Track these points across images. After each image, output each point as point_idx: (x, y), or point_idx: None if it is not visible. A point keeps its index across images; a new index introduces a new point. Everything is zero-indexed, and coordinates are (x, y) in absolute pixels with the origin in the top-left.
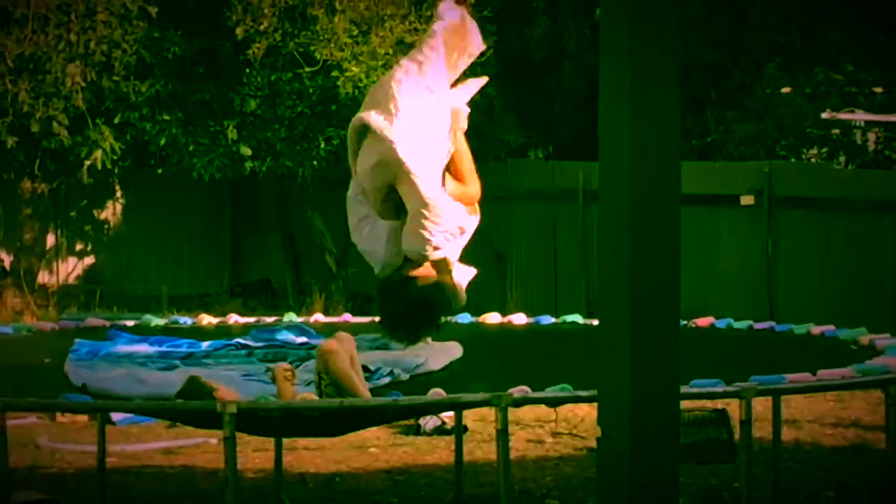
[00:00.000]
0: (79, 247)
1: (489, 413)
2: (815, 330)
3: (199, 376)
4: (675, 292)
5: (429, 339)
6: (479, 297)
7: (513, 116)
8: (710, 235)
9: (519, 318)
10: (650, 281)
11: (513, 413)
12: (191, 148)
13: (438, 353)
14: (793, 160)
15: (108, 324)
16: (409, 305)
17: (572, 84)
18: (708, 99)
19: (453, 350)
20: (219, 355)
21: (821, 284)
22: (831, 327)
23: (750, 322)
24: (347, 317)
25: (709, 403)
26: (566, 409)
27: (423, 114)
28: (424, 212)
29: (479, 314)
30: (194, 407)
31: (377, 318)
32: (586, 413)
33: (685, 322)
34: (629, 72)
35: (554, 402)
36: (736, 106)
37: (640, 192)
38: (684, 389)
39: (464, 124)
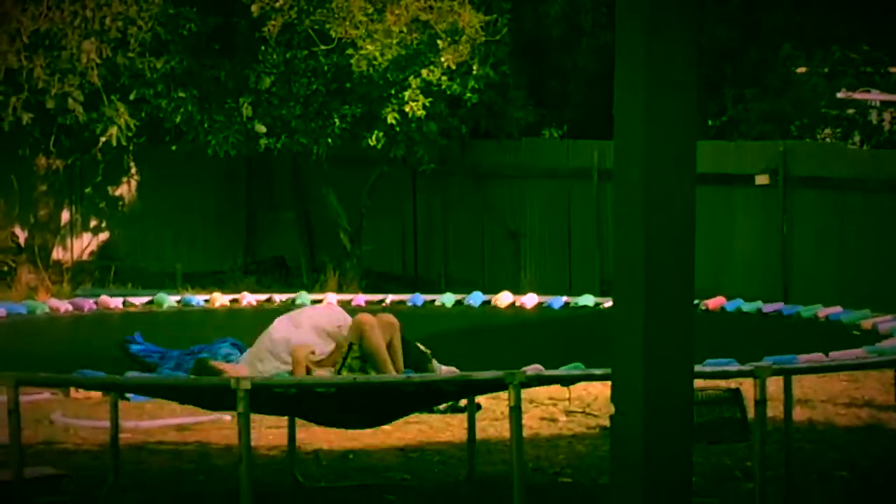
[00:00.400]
0: (93, 223)
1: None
2: (822, 313)
3: (206, 359)
4: (689, 271)
5: None
6: (493, 275)
7: (527, 94)
8: (724, 215)
9: (531, 300)
10: (665, 260)
11: (526, 391)
12: (206, 125)
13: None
14: (808, 140)
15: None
16: None
17: (588, 62)
18: (724, 78)
19: None
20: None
21: (836, 264)
22: (838, 309)
23: (759, 305)
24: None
25: (722, 383)
26: (579, 388)
27: None
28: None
29: (492, 292)
30: (208, 383)
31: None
32: (599, 391)
33: (696, 302)
34: (644, 50)
35: (567, 381)
36: (755, 82)
37: (655, 171)
38: (698, 368)
39: None
